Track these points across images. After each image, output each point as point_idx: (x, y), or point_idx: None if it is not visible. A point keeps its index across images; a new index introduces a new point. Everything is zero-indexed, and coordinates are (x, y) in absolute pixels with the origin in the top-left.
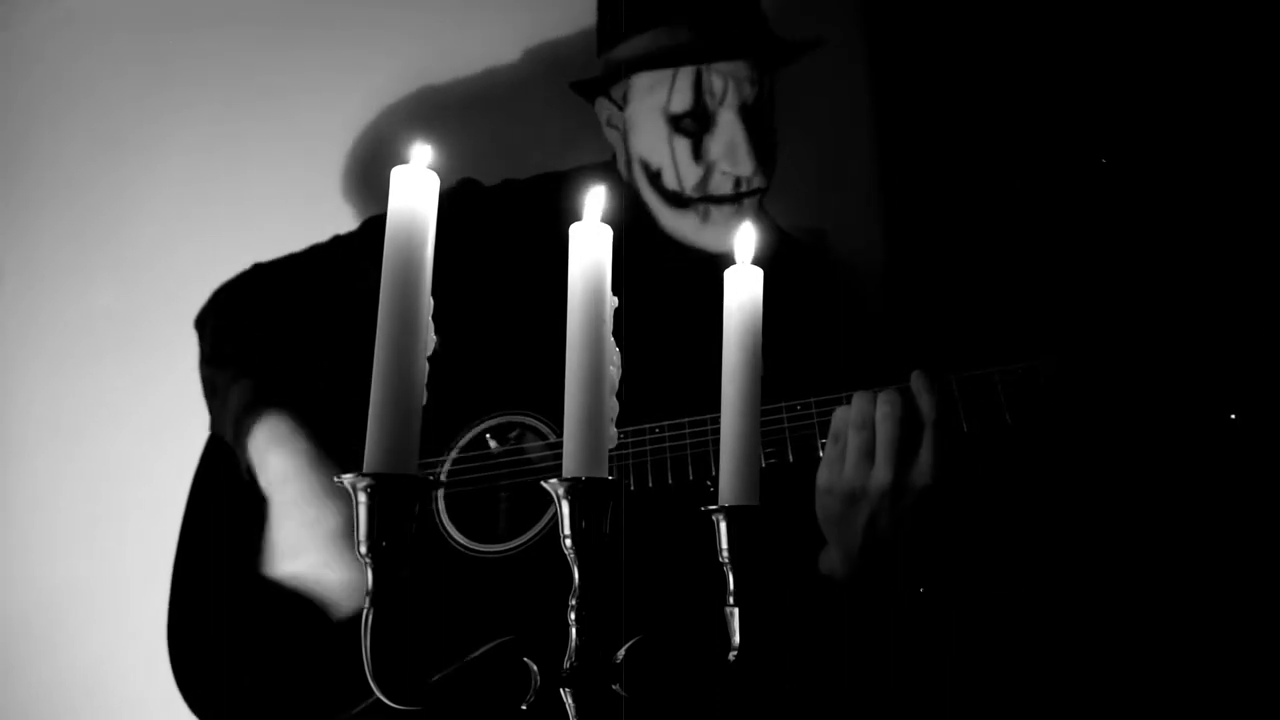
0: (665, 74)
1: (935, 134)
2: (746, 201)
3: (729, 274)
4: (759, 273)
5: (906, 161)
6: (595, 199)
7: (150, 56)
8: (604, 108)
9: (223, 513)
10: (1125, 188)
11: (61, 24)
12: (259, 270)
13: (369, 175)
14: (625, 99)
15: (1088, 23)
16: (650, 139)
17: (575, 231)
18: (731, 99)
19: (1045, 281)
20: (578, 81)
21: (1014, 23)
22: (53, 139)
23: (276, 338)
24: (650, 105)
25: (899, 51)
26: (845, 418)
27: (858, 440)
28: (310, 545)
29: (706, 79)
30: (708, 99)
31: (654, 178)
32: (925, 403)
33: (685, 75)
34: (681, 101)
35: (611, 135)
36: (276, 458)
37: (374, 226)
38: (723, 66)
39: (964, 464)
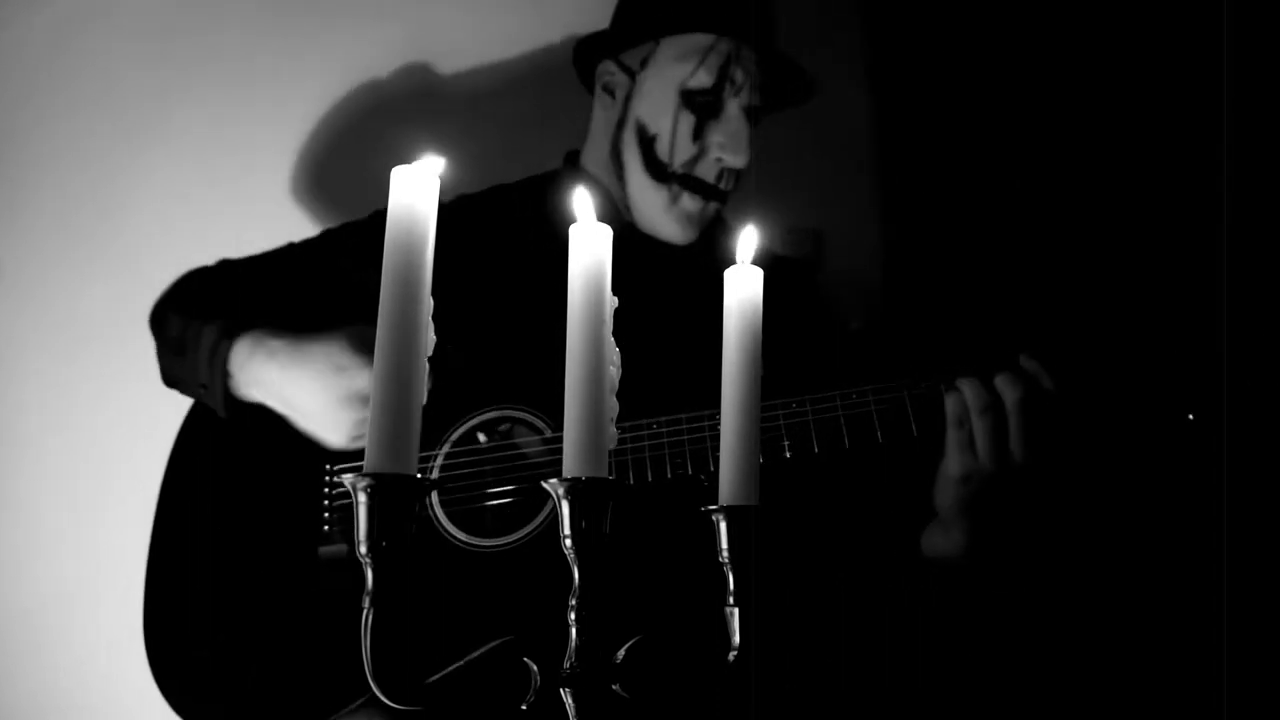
0: (697, 49)
1: (933, 133)
2: (712, 204)
3: (729, 273)
4: (759, 272)
5: (904, 159)
6: (583, 199)
7: (144, 54)
8: (607, 70)
9: (199, 502)
10: (1101, 196)
11: (55, 22)
12: (226, 265)
13: (322, 176)
14: (645, 63)
15: (1084, 28)
16: (657, 106)
17: (575, 232)
18: (744, 96)
19: (1036, 281)
20: (590, 36)
21: (1013, 27)
22: (46, 132)
23: (242, 296)
24: (670, 75)
25: (898, 54)
26: (964, 404)
27: (985, 423)
28: (352, 370)
29: (733, 67)
30: (727, 85)
31: (647, 143)
32: (1048, 381)
33: (716, 57)
34: (704, 79)
35: (603, 101)
36: (258, 360)
37: (331, 235)
38: (747, 64)
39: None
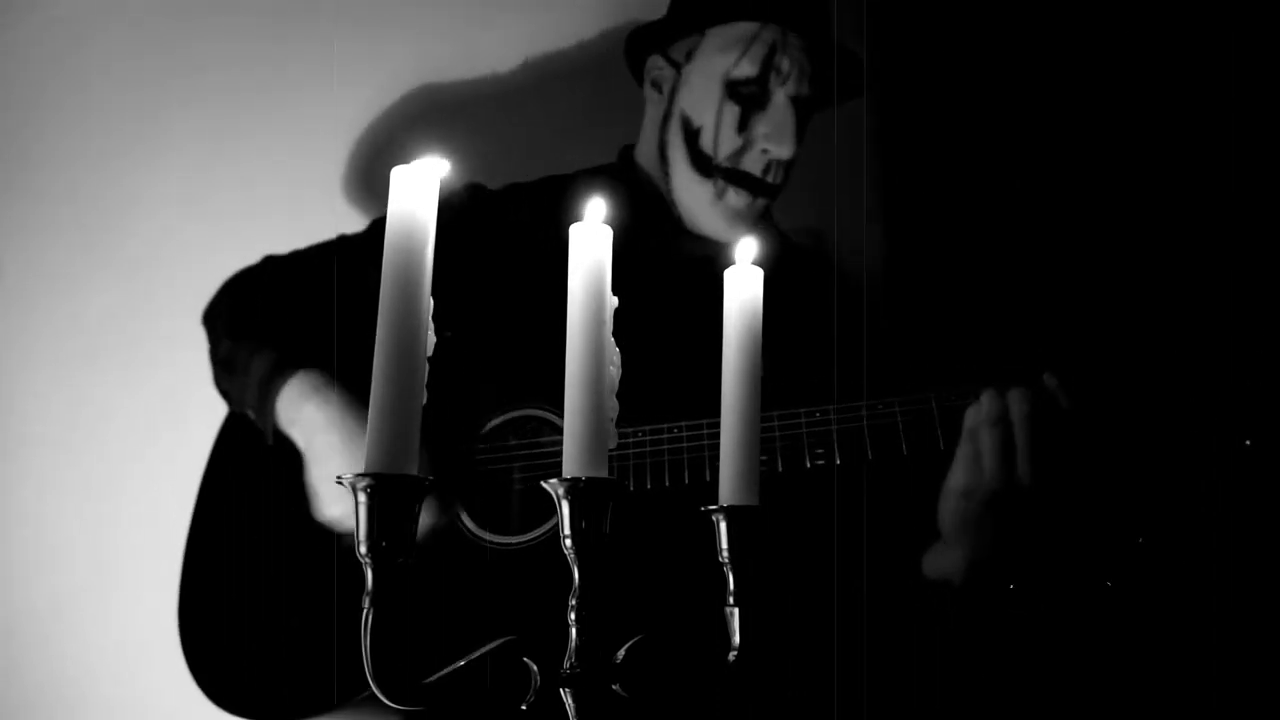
0: (741, 38)
1: (935, 135)
2: (760, 200)
3: (729, 274)
4: (759, 273)
5: (908, 163)
6: (596, 207)
7: (150, 54)
8: (655, 65)
9: (238, 494)
10: (1129, 196)
11: (61, 22)
12: (271, 261)
13: (372, 175)
14: (689, 55)
15: (1092, 27)
16: (701, 98)
17: (575, 232)
18: (791, 86)
19: (1050, 289)
20: (641, 28)
21: (1016, 27)
22: (52, 137)
23: (293, 318)
24: (714, 66)
25: (899, 53)
26: (978, 417)
27: (993, 438)
28: None
29: (779, 56)
30: (772, 75)
31: (691, 136)
32: (1065, 401)
33: (760, 46)
34: (748, 69)
35: (652, 96)
36: (312, 405)
37: (380, 227)
38: (794, 53)
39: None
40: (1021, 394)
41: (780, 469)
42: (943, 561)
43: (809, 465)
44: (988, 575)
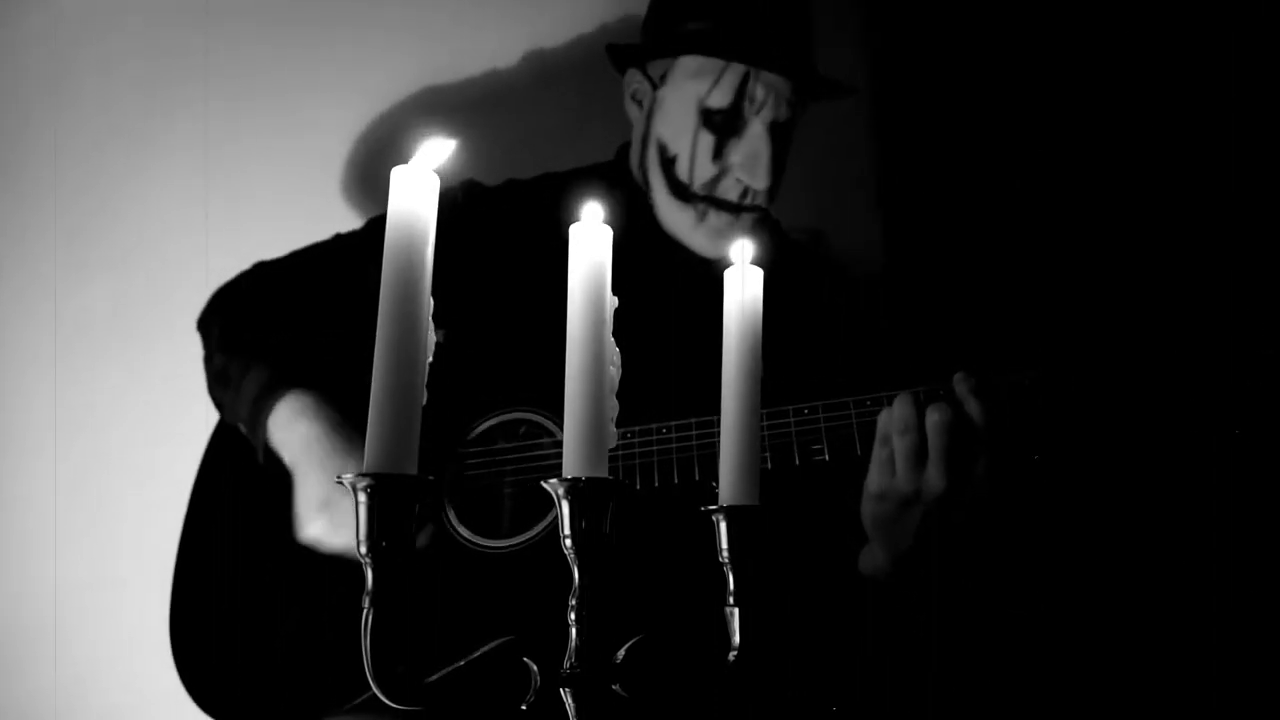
0: (714, 66)
1: (935, 136)
2: (745, 216)
3: (729, 274)
4: (759, 273)
5: (906, 163)
6: (594, 209)
7: (150, 54)
8: (634, 80)
9: (230, 502)
10: (1127, 195)
11: (61, 21)
12: (262, 267)
13: (369, 175)
14: (664, 78)
15: (1090, 27)
16: (676, 125)
17: (575, 232)
18: (767, 113)
19: (1046, 285)
20: (615, 45)
21: (1015, 26)
22: (51, 136)
23: (286, 328)
24: (687, 92)
25: (899, 53)
26: (890, 420)
27: (904, 444)
28: (338, 495)
29: (751, 84)
30: (746, 104)
31: (668, 164)
32: (975, 409)
33: (732, 74)
34: (721, 98)
35: (632, 110)
36: (304, 425)
37: (378, 226)
38: (769, 78)
39: (1018, 469)
40: (938, 405)
41: (765, 462)
42: (868, 560)
43: (797, 463)
44: (906, 573)
